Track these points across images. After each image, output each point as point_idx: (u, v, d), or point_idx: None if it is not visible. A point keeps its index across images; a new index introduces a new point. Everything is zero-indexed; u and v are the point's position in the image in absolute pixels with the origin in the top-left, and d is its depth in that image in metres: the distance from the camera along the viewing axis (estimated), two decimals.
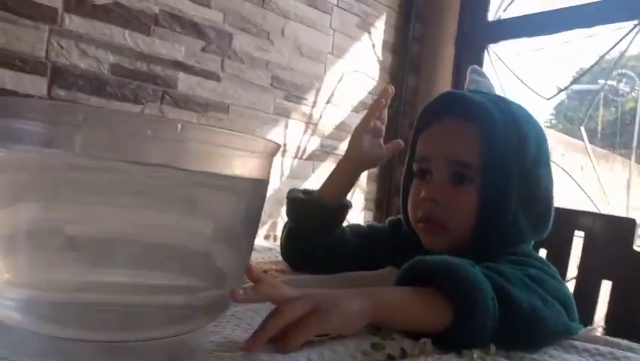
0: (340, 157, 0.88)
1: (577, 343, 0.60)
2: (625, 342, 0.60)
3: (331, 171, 0.89)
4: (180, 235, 0.46)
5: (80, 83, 1.30)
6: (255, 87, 1.68)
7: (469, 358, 0.51)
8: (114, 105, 1.36)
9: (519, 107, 0.75)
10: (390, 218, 0.91)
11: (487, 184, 0.69)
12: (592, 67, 1.94)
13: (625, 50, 1.78)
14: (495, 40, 2.03)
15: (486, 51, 2.04)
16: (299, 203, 0.87)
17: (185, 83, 1.51)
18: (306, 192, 0.89)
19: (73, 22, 1.29)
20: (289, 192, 0.90)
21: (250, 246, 0.55)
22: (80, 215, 0.44)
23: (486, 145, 0.69)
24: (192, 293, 0.47)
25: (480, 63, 2.03)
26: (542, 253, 0.98)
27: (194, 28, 1.52)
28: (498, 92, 0.82)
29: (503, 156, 0.68)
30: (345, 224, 0.90)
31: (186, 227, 0.46)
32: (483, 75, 0.81)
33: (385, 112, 0.88)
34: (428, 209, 0.72)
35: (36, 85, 1.23)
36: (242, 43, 1.64)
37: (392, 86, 0.87)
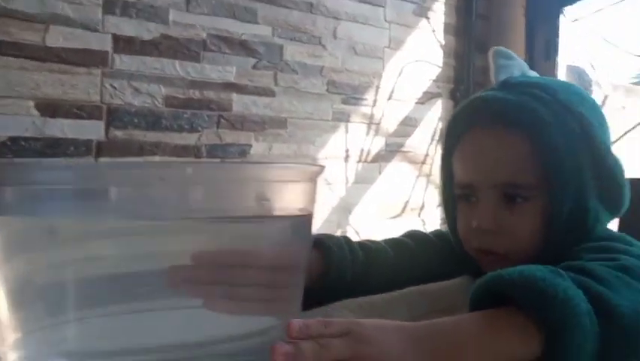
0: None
1: None
2: None
3: None
4: None
5: (136, 121, 1.33)
6: (310, 96, 1.63)
7: None
8: (171, 137, 1.38)
9: (566, 87, 0.61)
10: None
11: (556, 196, 0.58)
12: None
13: None
14: (571, 2, 1.84)
15: (561, 16, 1.85)
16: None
17: (239, 103, 1.49)
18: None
19: (124, 61, 1.32)
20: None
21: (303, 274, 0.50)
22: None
23: (541, 154, 0.57)
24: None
25: (556, 30, 1.85)
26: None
27: (243, 47, 1.50)
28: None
29: (569, 158, 0.57)
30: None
31: None
32: (510, 57, 0.68)
33: None
34: (484, 240, 0.61)
35: (94, 129, 1.27)
36: (293, 53, 1.60)
37: None
